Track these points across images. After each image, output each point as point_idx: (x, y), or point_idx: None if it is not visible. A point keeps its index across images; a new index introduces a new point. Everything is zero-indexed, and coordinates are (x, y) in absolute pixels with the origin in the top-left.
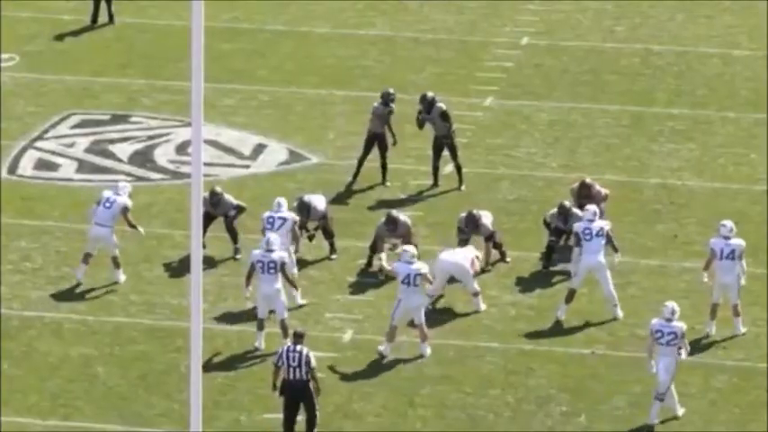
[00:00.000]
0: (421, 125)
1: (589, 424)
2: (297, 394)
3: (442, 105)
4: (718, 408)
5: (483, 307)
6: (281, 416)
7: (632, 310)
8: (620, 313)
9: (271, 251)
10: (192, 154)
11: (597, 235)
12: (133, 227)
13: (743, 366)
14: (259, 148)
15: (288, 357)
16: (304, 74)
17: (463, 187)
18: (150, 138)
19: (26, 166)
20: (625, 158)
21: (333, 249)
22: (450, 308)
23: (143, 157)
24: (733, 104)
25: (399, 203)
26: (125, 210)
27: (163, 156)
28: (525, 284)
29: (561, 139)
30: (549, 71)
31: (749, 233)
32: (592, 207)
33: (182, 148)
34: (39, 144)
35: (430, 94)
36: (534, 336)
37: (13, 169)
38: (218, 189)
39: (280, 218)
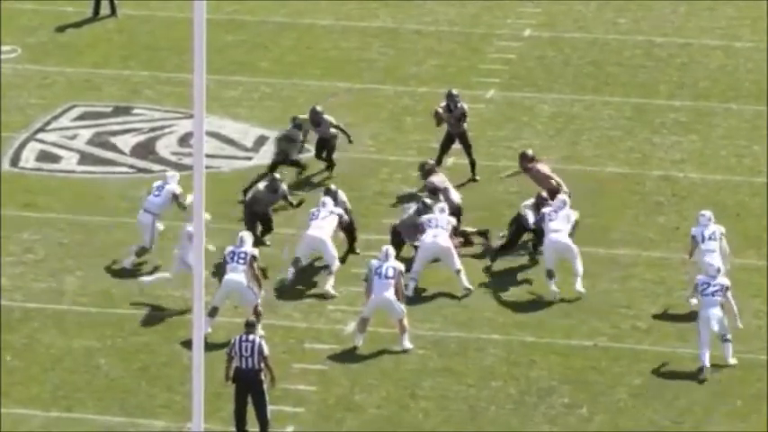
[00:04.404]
0: (440, 122)
1: (590, 416)
2: (248, 383)
3: (464, 106)
4: (720, 399)
5: (467, 284)
6: (280, 408)
7: (634, 302)
8: (581, 288)
9: (243, 246)
10: (194, 146)
11: (561, 219)
12: (183, 208)
13: (744, 358)
14: (261, 140)
15: (240, 347)
16: (306, 66)
17: (478, 177)
18: (152, 130)
19: (28, 158)
20: (627, 150)
21: (354, 245)
22: (451, 300)
23: (145, 149)
24: (735, 96)
25: (402, 196)
26: (175, 196)
27: (165, 148)
28: (526, 277)
29: (563, 131)
30: (552, 63)
31: (751, 225)
32: (562, 196)
33: (184, 140)
34: (41, 136)
35: (455, 91)
36: (536, 328)
37: (15, 161)
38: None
39: (242, 252)
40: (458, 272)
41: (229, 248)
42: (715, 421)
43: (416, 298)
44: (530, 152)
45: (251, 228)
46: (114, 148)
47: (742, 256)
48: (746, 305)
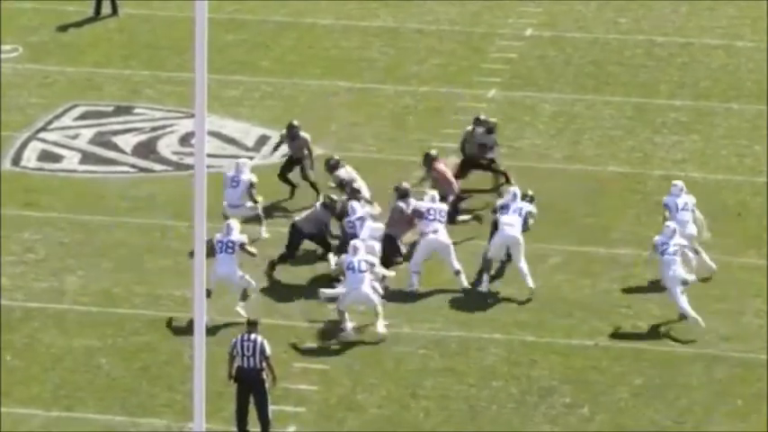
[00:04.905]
0: (464, 149)
1: (591, 415)
2: (250, 382)
3: (494, 137)
4: (720, 399)
5: (466, 284)
6: (281, 407)
7: (634, 301)
8: (530, 283)
9: (230, 233)
10: (196, 145)
11: (513, 211)
12: (255, 201)
13: (745, 358)
14: (262, 140)
15: (242, 346)
16: (307, 65)
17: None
18: (154, 129)
19: (30, 158)
20: (628, 150)
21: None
22: (452, 300)
23: (146, 149)
24: (736, 96)
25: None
26: (251, 185)
27: (166, 147)
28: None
29: (565, 131)
30: (553, 63)
31: (751, 225)
32: (513, 188)
33: (185, 140)
34: (42, 135)
35: (493, 120)
36: (537, 327)
37: (16, 161)
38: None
39: (229, 242)
40: (457, 273)
41: (217, 237)
42: (716, 421)
43: (417, 297)
44: (433, 152)
45: (294, 250)
46: (116, 148)
47: (743, 256)
48: (747, 305)
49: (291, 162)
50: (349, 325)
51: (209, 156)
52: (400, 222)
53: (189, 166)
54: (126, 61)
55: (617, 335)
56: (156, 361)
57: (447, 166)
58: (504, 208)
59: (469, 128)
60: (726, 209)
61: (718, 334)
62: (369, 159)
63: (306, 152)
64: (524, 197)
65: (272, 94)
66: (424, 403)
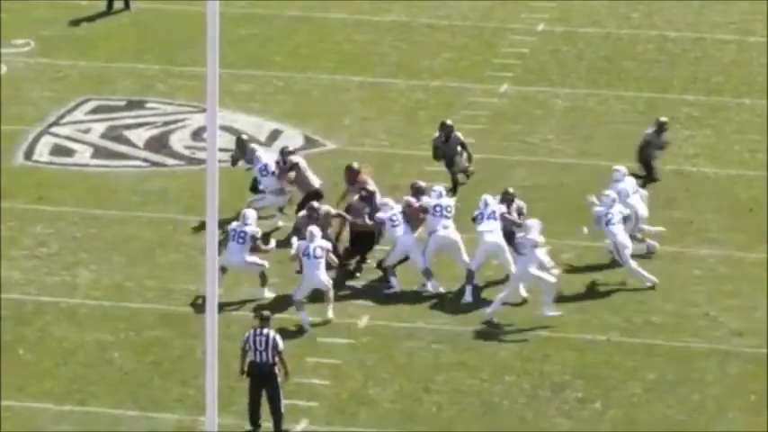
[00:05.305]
0: (437, 156)
1: (604, 410)
2: (262, 377)
3: (459, 134)
4: (733, 394)
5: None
6: (294, 402)
7: (647, 296)
8: (523, 292)
9: (246, 225)
10: (208, 140)
11: (488, 218)
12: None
13: (758, 353)
14: (274, 134)
15: (255, 341)
16: (320, 59)
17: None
18: (166, 123)
19: (42, 152)
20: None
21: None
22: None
23: (159, 143)
24: (749, 91)
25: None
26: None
27: (178, 141)
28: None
29: (577, 126)
30: (565, 58)
31: (763, 220)
32: (483, 196)
33: (197, 134)
34: (54, 130)
35: (449, 121)
36: (549, 322)
37: (29, 155)
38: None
39: (242, 232)
40: (469, 271)
41: (233, 225)
42: (729, 416)
43: (429, 292)
44: (355, 165)
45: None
46: (128, 142)
47: (755, 251)
48: (760, 300)
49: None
50: (305, 320)
51: (221, 150)
52: (412, 216)
53: (201, 161)
54: (138, 56)
55: (630, 330)
56: (168, 355)
57: (369, 176)
58: (479, 217)
59: (649, 130)
60: (738, 204)
61: (730, 330)
62: (381, 154)
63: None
64: (506, 195)
65: (284, 89)
66: (437, 398)
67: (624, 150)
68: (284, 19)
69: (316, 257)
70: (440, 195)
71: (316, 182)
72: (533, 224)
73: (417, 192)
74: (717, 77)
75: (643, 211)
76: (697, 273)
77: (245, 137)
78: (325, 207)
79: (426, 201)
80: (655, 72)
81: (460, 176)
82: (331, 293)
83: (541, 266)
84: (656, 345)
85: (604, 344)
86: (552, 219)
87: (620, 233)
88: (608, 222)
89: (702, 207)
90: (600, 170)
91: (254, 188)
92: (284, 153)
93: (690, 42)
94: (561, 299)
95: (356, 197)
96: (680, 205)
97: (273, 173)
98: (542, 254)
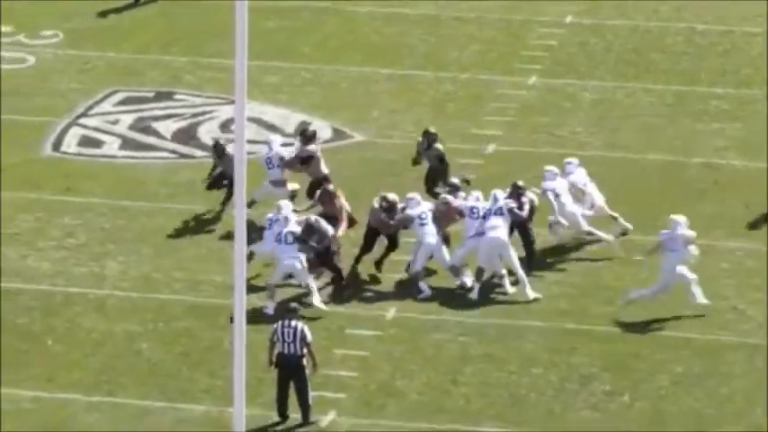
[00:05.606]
0: (417, 161)
1: (632, 402)
2: (290, 369)
3: (439, 146)
4: (761, 388)
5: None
6: (321, 393)
7: (675, 290)
8: (529, 294)
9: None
10: (236, 131)
11: (495, 213)
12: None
13: None
14: (302, 126)
15: (283, 333)
16: (348, 51)
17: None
18: (194, 115)
19: (70, 143)
20: (669, 138)
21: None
22: (492, 287)
23: (187, 135)
24: None
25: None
26: (281, 160)
27: (206, 133)
28: (568, 264)
29: (605, 118)
30: (593, 50)
31: None
32: (493, 192)
33: (225, 126)
34: (83, 121)
35: (432, 129)
36: (577, 315)
37: (57, 146)
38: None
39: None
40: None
41: (270, 215)
42: (756, 410)
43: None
44: (330, 187)
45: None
46: (156, 134)
47: None
48: None
49: (222, 177)
50: (270, 306)
51: (249, 142)
52: (445, 215)
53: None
54: (166, 47)
55: (658, 322)
56: (196, 346)
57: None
58: (487, 214)
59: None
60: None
61: (758, 323)
62: (409, 146)
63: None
64: (515, 189)
65: (312, 81)
66: (465, 390)
67: (652, 143)
68: (313, 11)
69: (287, 243)
70: (477, 198)
71: (325, 169)
72: (680, 220)
73: (454, 189)
74: (746, 70)
75: (599, 200)
76: (725, 266)
77: (222, 141)
78: (341, 200)
79: (461, 203)
80: (683, 65)
81: (459, 181)
82: (309, 281)
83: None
84: (684, 338)
85: (632, 336)
86: None
87: (568, 203)
88: (557, 196)
89: (731, 200)
90: (627, 162)
91: (213, 186)
92: (305, 135)
93: (718, 35)
94: (588, 291)
95: (376, 204)
96: (708, 198)
97: (279, 165)
98: (694, 249)
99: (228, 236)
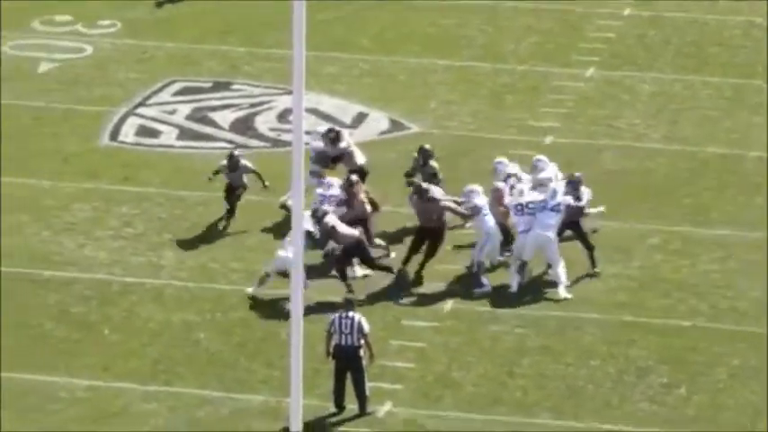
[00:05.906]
0: (411, 174)
1: (689, 395)
2: (347, 360)
3: (434, 164)
4: None
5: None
6: (378, 384)
7: (733, 282)
8: (564, 293)
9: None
10: (294, 122)
11: (552, 209)
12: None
13: None
14: (360, 117)
15: (340, 324)
16: (405, 43)
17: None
18: (252, 105)
19: (128, 133)
20: (726, 131)
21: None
22: (550, 280)
23: (244, 125)
24: None
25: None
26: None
27: (264, 123)
28: (626, 256)
29: (663, 111)
30: (652, 42)
31: None
32: (552, 185)
33: (283, 116)
34: (140, 111)
35: (427, 146)
36: (635, 307)
37: (114, 136)
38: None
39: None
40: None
41: (319, 190)
42: None
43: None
44: (354, 177)
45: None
46: (213, 124)
47: None
48: None
49: (230, 190)
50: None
51: (307, 133)
52: (496, 201)
53: (286, 143)
54: (224, 37)
55: (715, 315)
56: (253, 336)
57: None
58: (543, 207)
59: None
60: None
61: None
62: (466, 137)
63: (245, 180)
64: (574, 181)
65: (369, 72)
66: (521, 382)
67: (710, 135)
68: (370, 2)
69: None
70: (522, 193)
71: (360, 159)
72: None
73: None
74: None
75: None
76: None
77: (236, 152)
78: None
79: (509, 200)
80: (741, 58)
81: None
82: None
83: None
84: (741, 331)
85: (690, 329)
86: (638, 203)
87: (528, 195)
88: (512, 187)
89: None
90: (686, 155)
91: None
92: (329, 137)
93: None
94: (646, 284)
95: (415, 197)
96: (764, 192)
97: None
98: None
99: (283, 225)
